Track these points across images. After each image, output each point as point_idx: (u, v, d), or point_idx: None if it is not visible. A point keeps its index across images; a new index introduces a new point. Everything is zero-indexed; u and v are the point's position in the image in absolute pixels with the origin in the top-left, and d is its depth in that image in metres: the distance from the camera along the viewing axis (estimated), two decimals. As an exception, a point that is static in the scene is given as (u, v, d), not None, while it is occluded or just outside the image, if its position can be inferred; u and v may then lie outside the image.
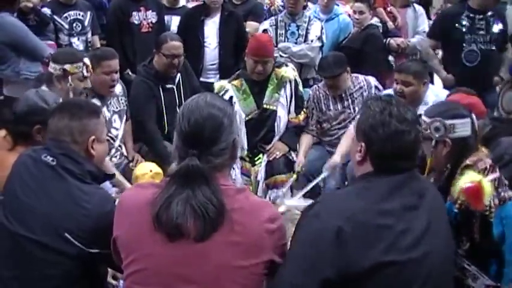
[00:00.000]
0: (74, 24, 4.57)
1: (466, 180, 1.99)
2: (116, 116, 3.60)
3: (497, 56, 4.49)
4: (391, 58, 5.22)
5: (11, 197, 1.93)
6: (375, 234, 1.58)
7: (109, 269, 2.16)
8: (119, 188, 3.08)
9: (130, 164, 3.64)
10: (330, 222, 1.58)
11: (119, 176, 3.18)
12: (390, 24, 5.32)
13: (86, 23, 4.63)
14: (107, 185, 2.71)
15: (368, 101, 1.81)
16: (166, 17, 4.91)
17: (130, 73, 4.50)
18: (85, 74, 3.01)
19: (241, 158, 3.80)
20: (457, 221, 2.02)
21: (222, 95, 3.74)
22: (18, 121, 2.42)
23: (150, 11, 4.73)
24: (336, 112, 3.97)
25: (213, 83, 4.15)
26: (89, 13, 4.67)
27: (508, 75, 4.33)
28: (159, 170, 3.27)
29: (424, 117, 2.18)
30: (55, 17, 4.52)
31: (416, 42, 5.23)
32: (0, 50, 4.06)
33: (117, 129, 3.61)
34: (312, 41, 4.63)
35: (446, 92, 3.43)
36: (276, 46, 4.53)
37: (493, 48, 4.42)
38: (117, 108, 3.62)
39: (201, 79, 4.56)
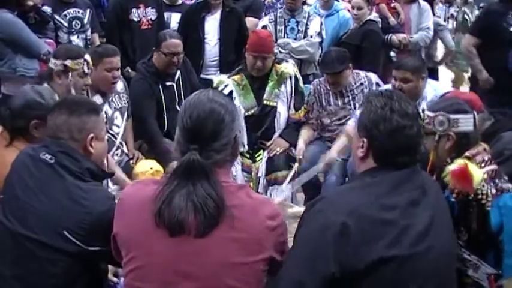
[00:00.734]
0: (74, 22, 4.56)
1: (454, 164, 2.01)
2: (117, 113, 3.60)
3: None
4: (393, 54, 5.22)
5: (10, 196, 1.93)
6: (379, 229, 1.58)
7: (110, 267, 2.16)
8: (120, 186, 3.08)
9: (131, 162, 3.64)
10: (333, 218, 1.58)
11: (121, 174, 3.18)
12: (392, 20, 5.31)
13: (85, 21, 4.62)
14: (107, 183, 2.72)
15: (369, 96, 1.81)
16: (166, 14, 4.89)
17: (130, 70, 4.49)
18: (86, 70, 3.00)
19: (242, 155, 3.81)
20: (455, 210, 2.03)
21: (222, 89, 3.75)
22: (15, 116, 2.42)
23: (150, 8, 4.72)
24: (336, 107, 3.97)
25: (213, 80, 4.15)
26: (88, 11, 4.66)
27: None
28: (159, 167, 3.28)
29: (427, 112, 2.19)
30: (54, 15, 4.50)
31: (419, 39, 5.21)
32: (-2, 47, 4.07)
33: (118, 126, 3.60)
34: (311, 36, 4.63)
35: (446, 87, 3.43)
36: (276, 42, 4.53)
37: None
38: (118, 105, 3.62)
39: (202, 75, 4.56)
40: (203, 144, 1.60)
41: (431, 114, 2.16)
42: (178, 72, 3.99)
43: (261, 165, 3.81)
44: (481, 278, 1.99)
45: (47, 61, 4.04)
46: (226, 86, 3.84)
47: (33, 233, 1.83)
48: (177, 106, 3.93)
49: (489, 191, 2.01)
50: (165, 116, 3.92)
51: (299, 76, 4.01)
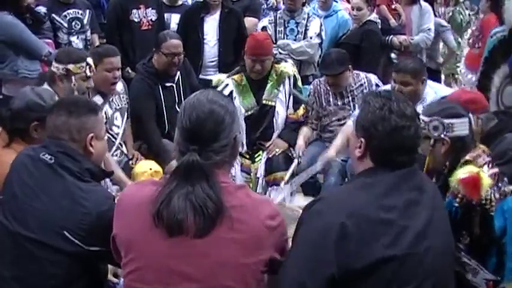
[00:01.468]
0: (73, 23, 4.56)
1: (464, 171, 2.01)
2: (117, 114, 3.60)
3: None
4: (393, 55, 5.21)
5: (10, 197, 1.93)
6: (378, 229, 1.59)
7: (109, 267, 2.17)
8: (120, 186, 3.08)
9: (130, 162, 3.64)
10: (332, 219, 1.58)
11: (121, 174, 3.18)
12: (393, 21, 5.30)
13: (85, 22, 4.62)
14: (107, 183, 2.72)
15: (367, 97, 1.81)
16: (166, 15, 4.89)
17: (130, 71, 4.49)
18: (88, 74, 3.01)
19: (241, 155, 3.81)
20: (458, 215, 2.03)
21: (222, 89, 3.75)
22: (15, 118, 2.42)
23: (150, 8, 4.72)
24: (336, 108, 3.97)
25: (212, 80, 4.15)
26: (87, 11, 4.66)
27: None
28: (158, 168, 3.28)
29: (422, 117, 2.18)
30: (54, 15, 4.50)
31: (420, 40, 5.21)
32: (-1, 49, 4.07)
33: (118, 127, 3.61)
34: (311, 37, 4.63)
35: (447, 88, 3.41)
36: (275, 43, 4.54)
37: None
38: (118, 105, 3.62)
39: (201, 76, 4.56)
40: (202, 145, 1.60)
41: (426, 119, 2.16)
42: (178, 73, 3.98)
43: (260, 166, 3.82)
44: (480, 283, 1.99)
45: (48, 62, 4.05)
46: (226, 85, 3.84)
47: (33, 233, 1.83)
48: (176, 107, 3.93)
49: (493, 195, 2.02)
50: (165, 116, 3.92)
51: (298, 76, 4.01)
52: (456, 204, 2.04)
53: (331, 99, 3.98)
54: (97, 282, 1.97)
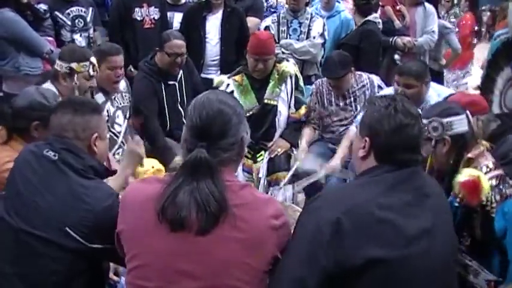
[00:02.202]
0: (76, 21, 4.56)
1: (465, 174, 2.03)
2: (119, 112, 3.59)
3: None
4: (397, 57, 5.21)
5: (13, 193, 1.93)
6: (374, 227, 1.59)
7: (111, 265, 2.16)
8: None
9: (133, 161, 3.63)
10: (328, 215, 1.59)
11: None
12: (397, 23, 5.30)
13: (88, 19, 4.62)
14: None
15: (372, 99, 1.85)
16: (168, 14, 4.89)
17: (132, 69, 4.49)
18: (91, 73, 3.01)
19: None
20: (458, 216, 2.04)
21: (223, 90, 3.74)
22: (17, 116, 2.42)
23: (153, 7, 4.72)
24: (338, 108, 3.97)
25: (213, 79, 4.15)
26: (90, 9, 4.66)
27: None
28: (161, 166, 3.27)
29: (422, 120, 2.20)
30: (57, 13, 4.51)
31: (424, 42, 5.20)
32: (0, 46, 4.05)
33: (120, 125, 3.60)
34: (314, 37, 4.63)
35: (449, 90, 3.41)
36: (278, 43, 4.54)
37: None
38: (121, 104, 3.62)
39: (202, 75, 4.56)
40: (211, 142, 1.62)
41: (425, 121, 2.18)
42: (181, 71, 3.99)
43: (262, 166, 3.81)
44: (481, 285, 2.00)
45: (49, 59, 4.06)
46: (227, 86, 3.84)
47: (36, 230, 1.83)
48: (178, 105, 3.94)
49: (494, 197, 2.03)
50: (167, 114, 3.92)
51: (299, 75, 4.01)
52: (456, 204, 2.05)
53: (333, 100, 3.98)
54: (99, 279, 1.98)
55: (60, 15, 4.52)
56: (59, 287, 1.84)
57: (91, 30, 4.66)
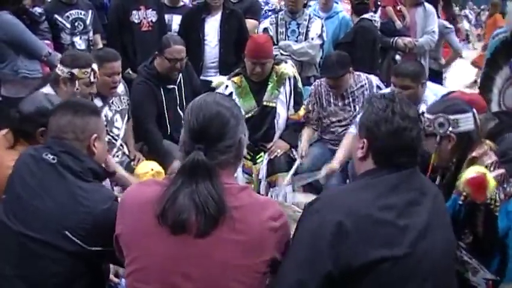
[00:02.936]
0: (76, 24, 4.56)
1: (471, 171, 2.02)
2: (117, 115, 3.60)
3: None
4: (398, 57, 5.21)
5: (12, 196, 1.93)
6: (375, 229, 1.59)
7: (111, 267, 2.17)
8: (122, 187, 3.08)
9: (132, 163, 3.64)
10: (330, 217, 1.59)
11: (123, 172, 3.16)
12: (398, 23, 5.29)
13: (88, 22, 4.62)
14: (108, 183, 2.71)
15: (371, 98, 1.83)
16: (167, 16, 4.90)
17: (131, 72, 4.49)
18: (92, 79, 3.02)
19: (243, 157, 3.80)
20: (461, 213, 2.04)
21: (222, 91, 3.75)
22: (24, 120, 2.43)
23: (150, 9, 4.73)
24: (336, 108, 3.97)
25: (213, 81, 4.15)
26: (90, 12, 4.66)
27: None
28: (160, 168, 3.27)
29: (427, 115, 2.21)
30: (57, 16, 4.50)
31: (424, 42, 5.20)
32: (-1, 48, 4.07)
33: (118, 128, 3.61)
34: (312, 38, 4.63)
35: (446, 89, 3.41)
36: (277, 44, 4.54)
37: None
38: (119, 107, 3.62)
39: (201, 77, 4.56)
40: (208, 144, 1.62)
41: (430, 116, 2.17)
42: (180, 75, 3.99)
43: (262, 167, 3.82)
44: (479, 283, 2.00)
45: (48, 62, 4.06)
46: (226, 87, 3.84)
47: (35, 233, 1.83)
48: (178, 109, 3.95)
49: (497, 196, 2.03)
50: (167, 118, 3.92)
51: (298, 77, 4.01)
52: (460, 202, 2.05)
53: (331, 100, 3.99)
54: (99, 281, 1.98)
55: (60, 18, 4.51)
56: (59, 289, 1.84)
57: (91, 33, 4.66)
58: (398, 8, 5.39)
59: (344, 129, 3.92)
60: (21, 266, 1.84)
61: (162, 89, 3.91)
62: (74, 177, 1.91)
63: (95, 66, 3.04)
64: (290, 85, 3.90)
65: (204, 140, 1.62)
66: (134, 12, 4.67)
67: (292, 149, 3.92)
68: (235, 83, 3.86)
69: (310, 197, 3.39)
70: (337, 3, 5.51)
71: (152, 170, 3.22)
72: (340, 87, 3.91)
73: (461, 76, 7.94)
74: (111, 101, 3.55)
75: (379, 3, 5.67)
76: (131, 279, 1.62)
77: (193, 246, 1.55)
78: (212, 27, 4.69)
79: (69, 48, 4.42)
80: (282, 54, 4.49)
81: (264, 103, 3.87)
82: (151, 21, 4.73)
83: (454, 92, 3.17)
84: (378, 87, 3.95)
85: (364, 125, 1.77)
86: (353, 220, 1.58)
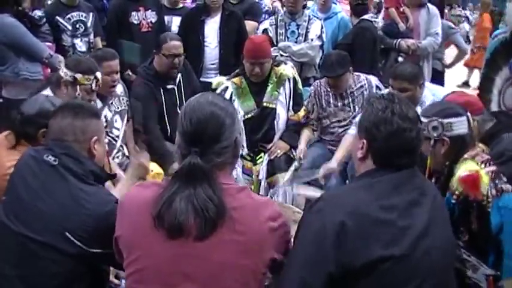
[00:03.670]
0: (77, 25, 4.57)
1: (464, 169, 2.04)
2: (117, 116, 3.60)
3: None
4: (400, 59, 5.19)
5: (13, 198, 1.94)
6: (377, 229, 1.60)
7: (111, 268, 2.17)
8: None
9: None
10: (332, 217, 1.60)
11: (123, 174, 3.17)
12: (402, 25, 5.28)
13: (89, 24, 4.63)
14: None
15: (370, 99, 1.84)
16: (167, 18, 4.91)
17: (130, 73, 4.50)
18: (93, 87, 3.03)
19: (243, 157, 3.82)
20: (455, 212, 2.05)
21: (222, 92, 3.75)
22: (26, 122, 2.44)
23: (150, 10, 4.74)
24: (336, 108, 3.97)
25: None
26: (91, 14, 4.67)
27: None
28: (160, 170, 3.28)
29: (421, 118, 2.19)
30: (58, 18, 4.51)
31: (428, 44, 5.18)
32: (0, 51, 4.06)
33: (118, 129, 3.61)
34: (312, 39, 4.63)
35: (445, 90, 3.41)
36: (276, 45, 4.54)
37: None
38: (118, 108, 3.62)
39: (201, 78, 4.56)
40: (204, 147, 1.60)
41: (425, 120, 2.18)
42: (179, 75, 4.00)
43: (262, 168, 3.82)
44: (480, 279, 2.01)
45: (49, 64, 4.06)
46: (226, 88, 3.84)
47: (36, 234, 1.84)
48: (178, 109, 3.93)
49: (489, 192, 2.03)
50: (166, 119, 3.92)
51: (298, 78, 4.02)
52: (453, 201, 2.06)
53: (331, 100, 3.99)
54: (99, 282, 1.98)
55: (61, 20, 4.52)
56: (59, 289, 1.85)
57: (91, 36, 4.66)
58: (401, 9, 5.38)
59: (343, 130, 3.92)
60: (21, 266, 1.85)
61: (161, 89, 3.91)
62: (75, 179, 1.91)
63: (98, 74, 3.05)
64: (290, 86, 3.90)
65: (199, 143, 1.60)
66: (133, 13, 4.68)
67: (292, 150, 3.92)
68: (235, 83, 3.86)
69: (310, 190, 3.42)
70: (335, 3, 5.51)
71: (152, 171, 3.22)
72: (339, 87, 3.91)
73: (453, 77, 7.93)
74: (110, 102, 3.56)
75: (384, 5, 5.65)
76: (131, 280, 1.62)
77: (193, 249, 1.56)
78: (212, 28, 4.69)
79: (70, 50, 4.45)
80: (281, 55, 4.49)
81: (264, 104, 3.87)
82: (150, 22, 4.74)
83: (454, 92, 3.17)
84: (377, 87, 3.95)
85: (363, 125, 1.77)
86: (355, 220, 1.59)
